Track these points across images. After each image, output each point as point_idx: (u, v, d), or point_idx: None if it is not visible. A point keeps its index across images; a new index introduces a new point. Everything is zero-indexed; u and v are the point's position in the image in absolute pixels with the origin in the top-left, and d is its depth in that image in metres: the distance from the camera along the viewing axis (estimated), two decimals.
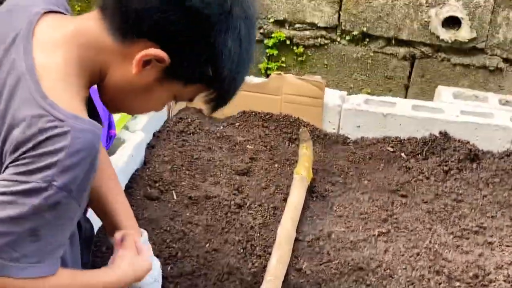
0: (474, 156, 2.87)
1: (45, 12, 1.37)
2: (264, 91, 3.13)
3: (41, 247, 1.28)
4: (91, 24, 1.33)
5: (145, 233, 1.73)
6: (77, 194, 1.26)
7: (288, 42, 4.12)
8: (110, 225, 1.72)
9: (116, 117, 2.49)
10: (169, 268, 2.07)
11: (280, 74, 3.12)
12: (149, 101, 1.42)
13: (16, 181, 1.22)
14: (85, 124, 1.24)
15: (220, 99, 1.40)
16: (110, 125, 2.29)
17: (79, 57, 1.32)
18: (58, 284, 1.35)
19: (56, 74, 1.28)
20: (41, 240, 1.27)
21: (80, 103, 1.30)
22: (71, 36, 1.32)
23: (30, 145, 1.21)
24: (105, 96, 1.43)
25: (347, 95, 3.25)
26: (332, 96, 3.17)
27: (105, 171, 1.75)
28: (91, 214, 1.75)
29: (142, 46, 1.28)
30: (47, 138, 1.21)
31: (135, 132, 2.67)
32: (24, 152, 1.22)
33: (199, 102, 1.40)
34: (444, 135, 2.97)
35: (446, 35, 3.77)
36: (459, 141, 2.95)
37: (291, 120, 3.11)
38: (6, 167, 1.25)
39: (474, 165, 2.83)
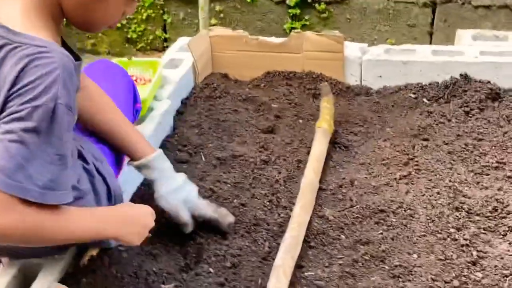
0: (495, 94, 2.91)
1: None
2: (285, 50, 3.21)
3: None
4: None
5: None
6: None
7: (309, 0, 4.18)
8: (129, 151, 2.00)
9: (143, 93, 2.58)
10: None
11: (299, 32, 3.19)
12: (107, 10, 1.58)
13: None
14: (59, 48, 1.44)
15: None
16: (136, 99, 2.39)
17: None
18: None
19: (21, 23, 1.45)
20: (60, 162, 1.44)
21: (51, 39, 1.46)
22: None
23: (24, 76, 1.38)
24: (72, 20, 1.59)
25: (369, 46, 3.30)
26: (353, 49, 3.23)
27: (109, 103, 1.99)
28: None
29: None
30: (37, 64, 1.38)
31: (163, 100, 2.77)
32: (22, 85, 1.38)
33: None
34: (465, 77, 3.01)
35: None
36: (479, 81, 2.99)
37: (313, 76, 3.19)
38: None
39: (496, 104, 2.88)
